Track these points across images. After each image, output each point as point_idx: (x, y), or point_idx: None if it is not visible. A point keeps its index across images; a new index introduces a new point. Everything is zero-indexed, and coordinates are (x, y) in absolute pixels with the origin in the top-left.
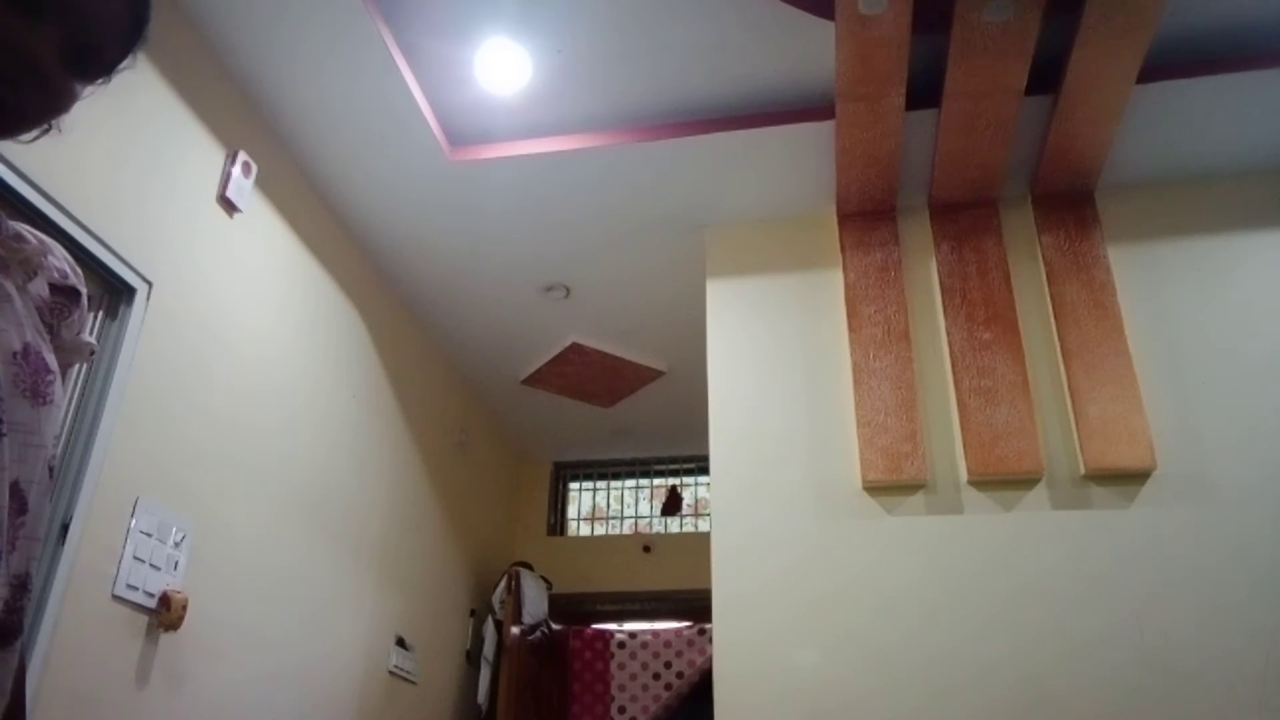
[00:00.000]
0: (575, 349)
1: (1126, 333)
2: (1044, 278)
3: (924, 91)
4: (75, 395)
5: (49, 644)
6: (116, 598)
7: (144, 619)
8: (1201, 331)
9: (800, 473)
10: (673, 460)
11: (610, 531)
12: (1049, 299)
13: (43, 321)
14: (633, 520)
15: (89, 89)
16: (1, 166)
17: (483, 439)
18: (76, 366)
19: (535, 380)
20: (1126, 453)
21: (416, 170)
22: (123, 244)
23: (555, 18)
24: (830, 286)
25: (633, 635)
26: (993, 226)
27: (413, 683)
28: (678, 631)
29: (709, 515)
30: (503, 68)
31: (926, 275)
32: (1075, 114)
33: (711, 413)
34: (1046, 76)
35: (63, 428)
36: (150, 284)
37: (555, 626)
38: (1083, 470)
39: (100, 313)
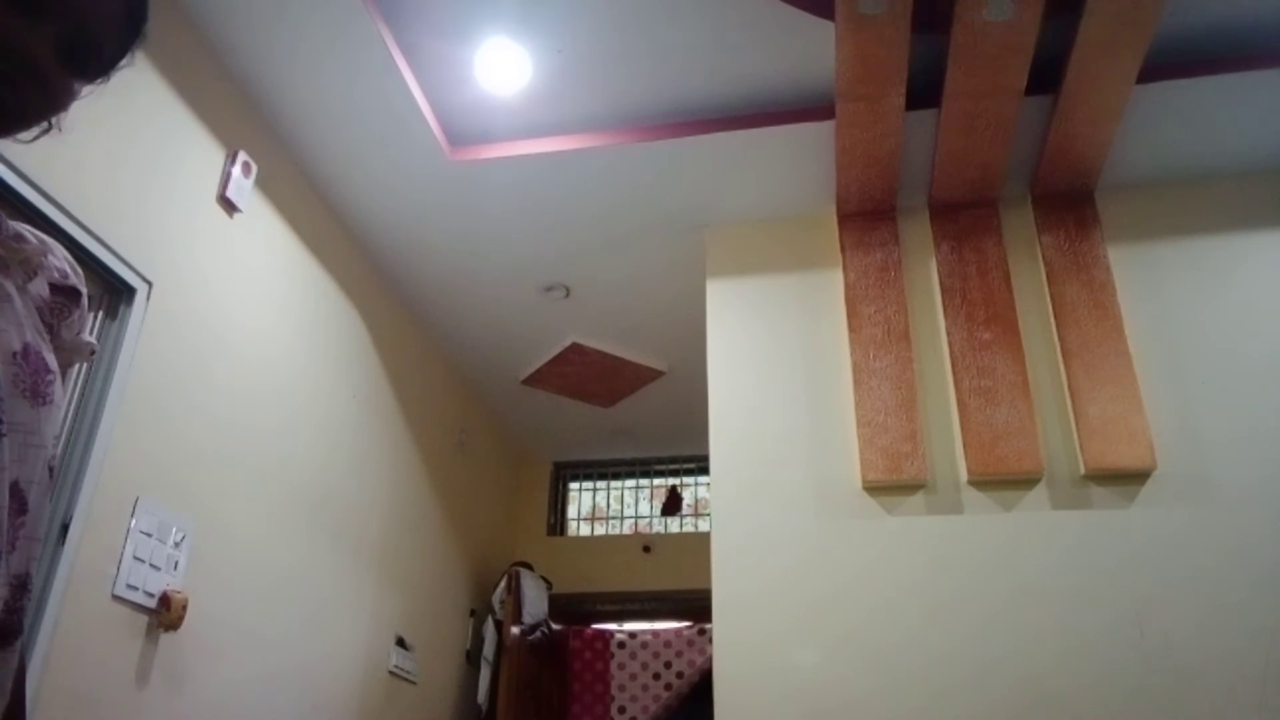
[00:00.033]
0: (575, 349)
1: (1126, 333)
2: (1044, 278)
3: (924, 91)
4: (75, 395)
5: (49, 644)
6: (116, 598)
7: (144, 619)
8: (1201, 331)
9: (800, 473)
10: (673, 460)
11: (610, 531)
12: (1049, 299)
13: (43, 321)
14: (633, 520)
15: (88, 88)
16: (1, 166)
17: (483, 439)
18: (76, 366)
19: (535, 380)
20: (1126, 453)
21: (416, 170)
22: (123, 244)
23: (555, 18)
24: (830, 286)
25: (633, 635)
26: (993, 226)
27: (413, 683)
28: (678, 631)
29: (709, 515)
30: (503, 68)
31: (926, 275)
32: (1075, 114)
33: (711, 413)
34: (1046, 76)
35: (63, 428)
36: (150, 284)
37: (555, 626)
38: (1083, 470)
39: (100, 313)
